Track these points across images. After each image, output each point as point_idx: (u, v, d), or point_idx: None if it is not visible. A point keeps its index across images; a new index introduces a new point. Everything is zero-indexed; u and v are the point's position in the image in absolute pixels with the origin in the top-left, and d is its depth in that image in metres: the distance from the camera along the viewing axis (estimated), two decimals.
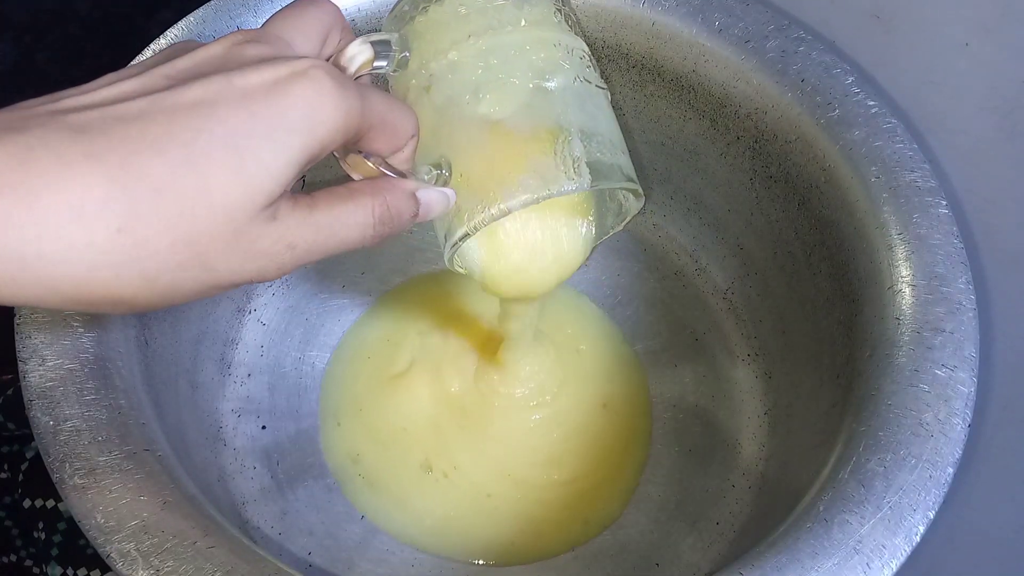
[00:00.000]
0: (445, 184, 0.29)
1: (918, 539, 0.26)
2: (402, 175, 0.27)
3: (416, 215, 0.27)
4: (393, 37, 0.29)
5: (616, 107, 0.42)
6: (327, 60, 0.27)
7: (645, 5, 0.38)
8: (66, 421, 0.27)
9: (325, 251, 0.24)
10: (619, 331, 0.46)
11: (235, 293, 0.42)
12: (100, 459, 0.27)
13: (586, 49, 0.31)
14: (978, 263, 0.37)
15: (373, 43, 0.28)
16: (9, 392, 0.45)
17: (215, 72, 0.22)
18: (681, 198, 0.44)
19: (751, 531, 0.36)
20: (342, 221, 0.25)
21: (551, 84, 0.29)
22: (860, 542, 0.25)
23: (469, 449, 0.42)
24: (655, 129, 0.42)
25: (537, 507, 0.41)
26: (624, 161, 0.30)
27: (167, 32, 0.36)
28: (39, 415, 0.27)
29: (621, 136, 0.31)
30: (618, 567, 0.39)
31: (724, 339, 0.43)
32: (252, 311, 0.43)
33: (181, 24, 0.36)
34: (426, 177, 0.28)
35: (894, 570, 0.25)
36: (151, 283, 0.21)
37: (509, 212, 0.28)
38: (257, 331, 0.43)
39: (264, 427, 0.41)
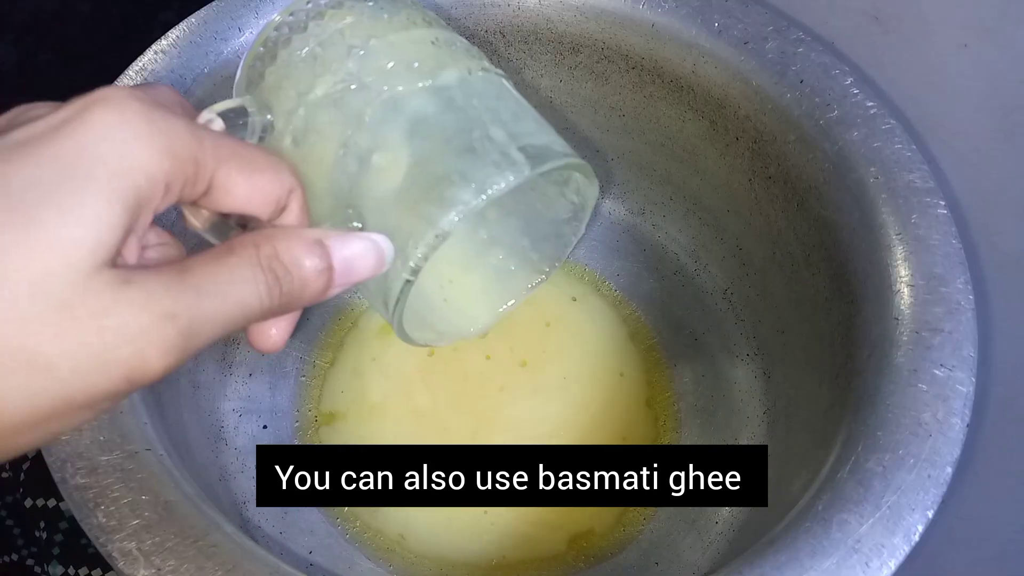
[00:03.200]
0: None
1: (917, 538, 0.26)
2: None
3: (328, 270, 0.21)
4: (247, 100, 0.25)
5: (616, 108, 0.43)
6: None
7: (645, 6, 0.38)
8: None
9: (222, 322, 0.19)
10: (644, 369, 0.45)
11: None
12: (102, 459, 0.27)
13: (466, 42, 0.27)
14: (976, 263, 0.37)
15: (224, 113, 0.23)
16: None
17: None
18: (681, 198, 0.44)
19: (750, 530, 0.36)
20: (225, 279, 0.19)
21: (438, 83, 0.24)
22: (859, 541, 0.25)
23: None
24: (655, 129, 0.42)
25: (530, 527, 0.40)
26: (558, 140, 0.26)
27: (169, 33, 0.36)
28: None
29: (545, 120, 0.27)
30: (618, 566, 0.40)
31: (723, 339, 0.43)
32: None
33: (183, 25, 0.36)
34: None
35: (892, 569, 0.25)
36: None
37: (448, 234, 0.23)
38: None
39: (265, 427, 0.41)
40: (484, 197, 0.23)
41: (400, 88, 0.24)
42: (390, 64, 0.25)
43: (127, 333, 0.17)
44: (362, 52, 0.25)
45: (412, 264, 0.23)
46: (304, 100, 0.24)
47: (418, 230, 0.23)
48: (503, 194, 0.23)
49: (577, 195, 0.30)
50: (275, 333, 0.23)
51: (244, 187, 0.21)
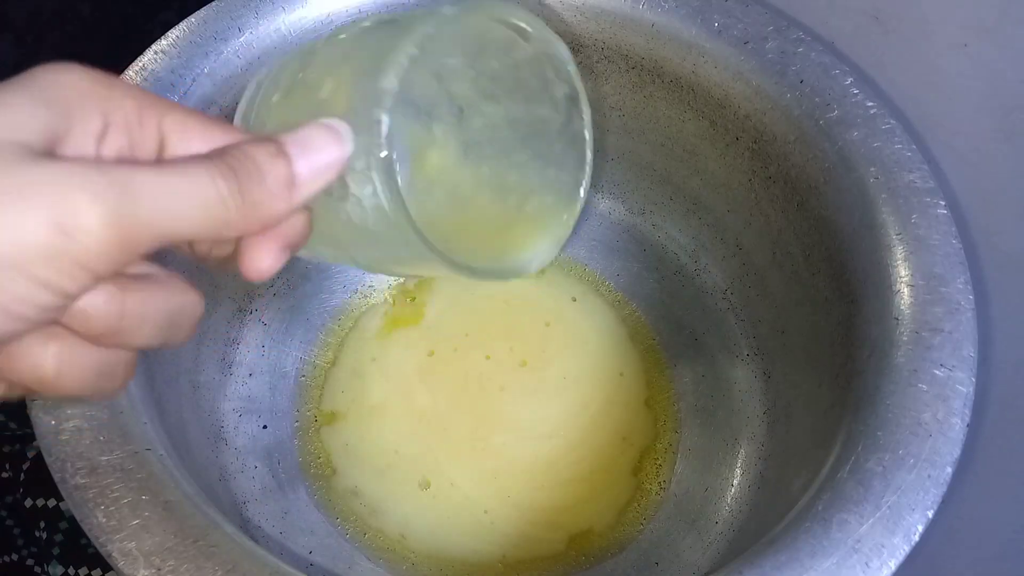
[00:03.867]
0: None
1: (917, 538, 0.26)
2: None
3: (283, 155, 0.20)
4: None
5: (616, 108, 0.43)
6: None
7: (645, 6, 0.38)
8: (68, 421, 0.27)
9: (173, 204, 0.18)
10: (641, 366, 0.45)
11: (236, 293, 0.42)
12: (102, 459, 0.27)
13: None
14: (976, 263, 0.37)
15: None
16: None
17: None
18: (681, 198, 0.44)
19: (750, 530, 0.36)
20: (173, 170, 0.18)
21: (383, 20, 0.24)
22: (859, 541, 0.25)
23: (462, 463, 0.42)
24: (655, 130, 0.42)
25: (531, 527, 0.40)
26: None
27: (169, 33, 0.36)
28: (41, 415, 0.27)
29: None
30: (617, 566, 0.40)
31: (723, 339, 0.43)
32: (253, 311, 0.44)
33: (183, 25, 0.36)
34: None
35: (892, 569, 0.25)
36: None
37: (393, 92, 0.21)
38: (258, 331, 0.43)
39: (265, 427, 0.41)
40: (418, 38, 0.22)
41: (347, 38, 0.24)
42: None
43: (45, 180, 0.16)
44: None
45: (377, 136, 0.21)
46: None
47: (370, 93, 0.21)
48: (441, 26, 0.22)
49: (562, 82, 0.28)
50: (259, 257, 0.21)
51: (201, 132, 0.20)
